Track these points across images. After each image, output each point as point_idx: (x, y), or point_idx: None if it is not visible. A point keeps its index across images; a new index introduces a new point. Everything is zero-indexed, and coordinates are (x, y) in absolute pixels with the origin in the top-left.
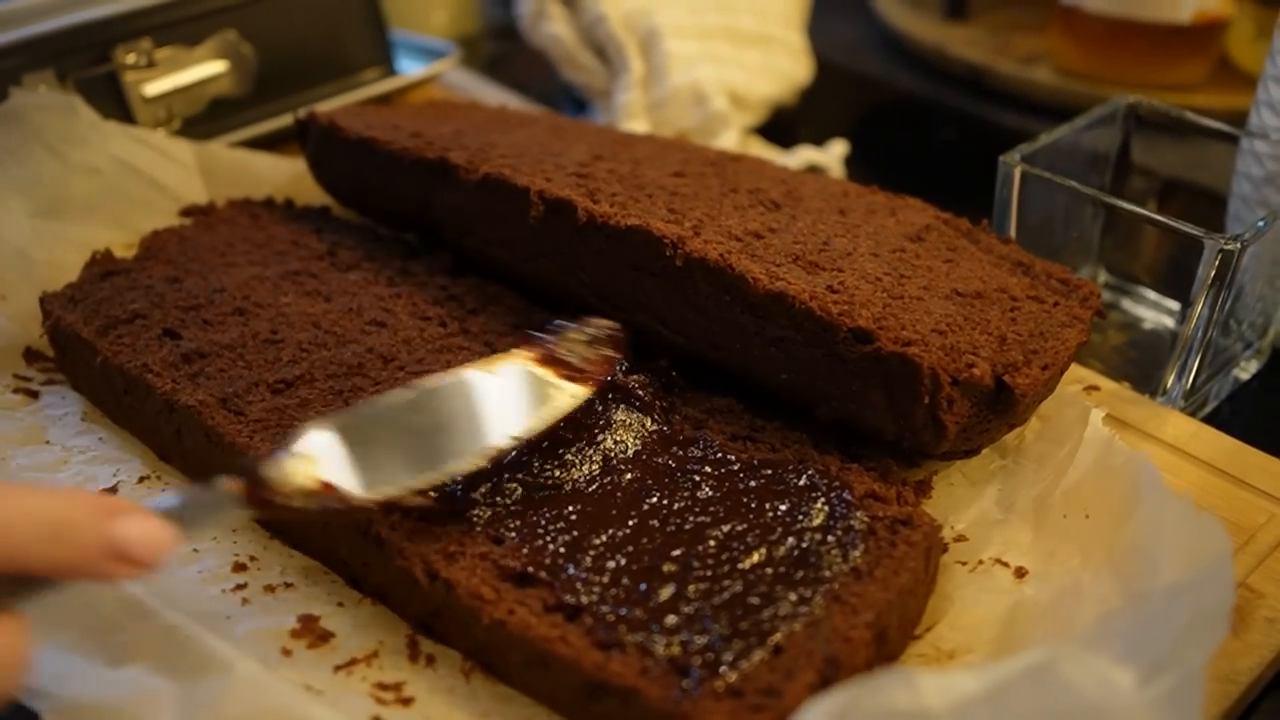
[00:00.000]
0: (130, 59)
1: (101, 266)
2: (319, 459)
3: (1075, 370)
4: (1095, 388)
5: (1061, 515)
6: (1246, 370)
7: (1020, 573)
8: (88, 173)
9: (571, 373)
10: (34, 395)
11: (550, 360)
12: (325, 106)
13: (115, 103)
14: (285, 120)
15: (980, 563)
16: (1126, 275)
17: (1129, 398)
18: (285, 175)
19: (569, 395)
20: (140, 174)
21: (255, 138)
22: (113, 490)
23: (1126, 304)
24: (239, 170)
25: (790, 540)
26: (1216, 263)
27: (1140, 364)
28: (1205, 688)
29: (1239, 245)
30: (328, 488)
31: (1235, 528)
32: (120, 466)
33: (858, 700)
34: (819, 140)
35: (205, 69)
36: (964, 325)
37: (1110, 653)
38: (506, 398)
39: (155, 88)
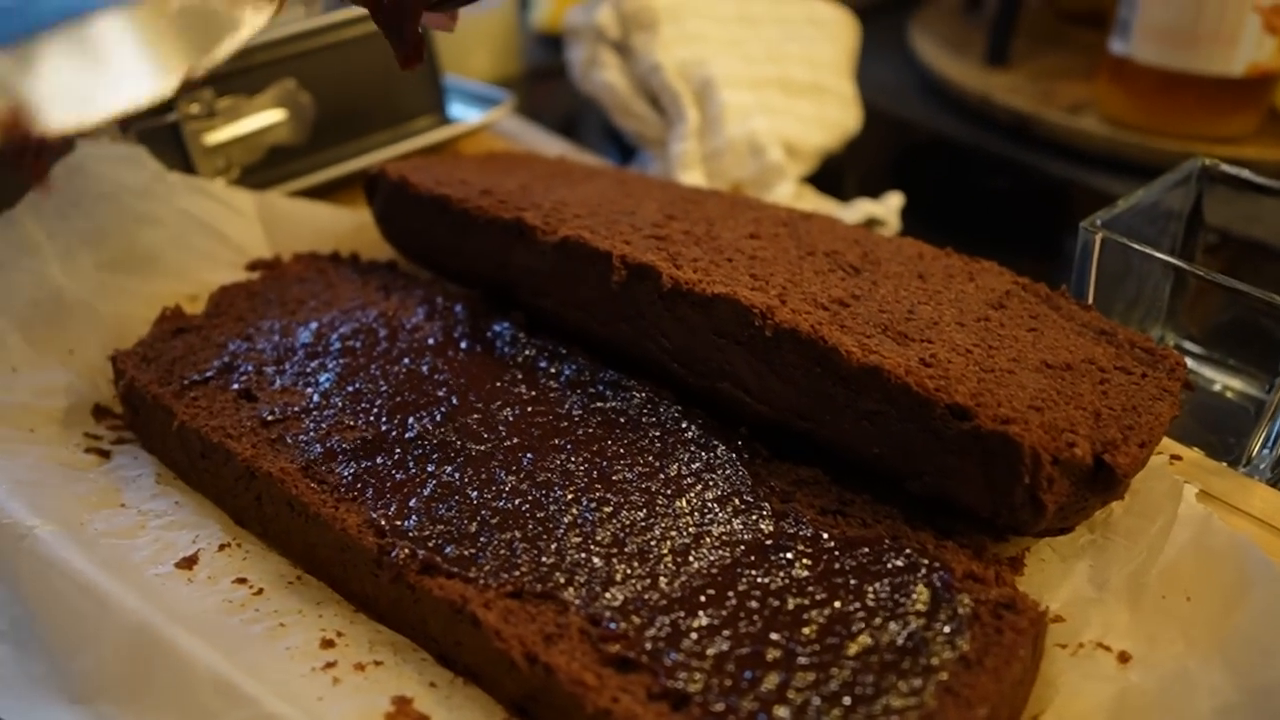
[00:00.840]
0: (192, 109)
1: (172, 323)
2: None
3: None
4: (1178, 457)
5: (1160, 596)
6: None
7: (1124, 658)
8: (152, 224)
9: None
10: (105, 455)
11: None
12: (381, 155)
13: (176, 152)
14: (342, 169)
15: (1081, 646)
16: (1198, 338)
17: (1213, 468)
18: (346, 226)
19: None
20: (203, 225)
21: (312, 186)
22: (193, 559)
23: (1200, 368)
24: (299, 221)
25: (894, 625)
26: None
27: (1218, 430)
28: None
29: None
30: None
31: None
32: (199, 533)
33: None
34: (870, 188)
35: (264, 118)
36: (1058, 400)
37: None
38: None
39: (216, 137)
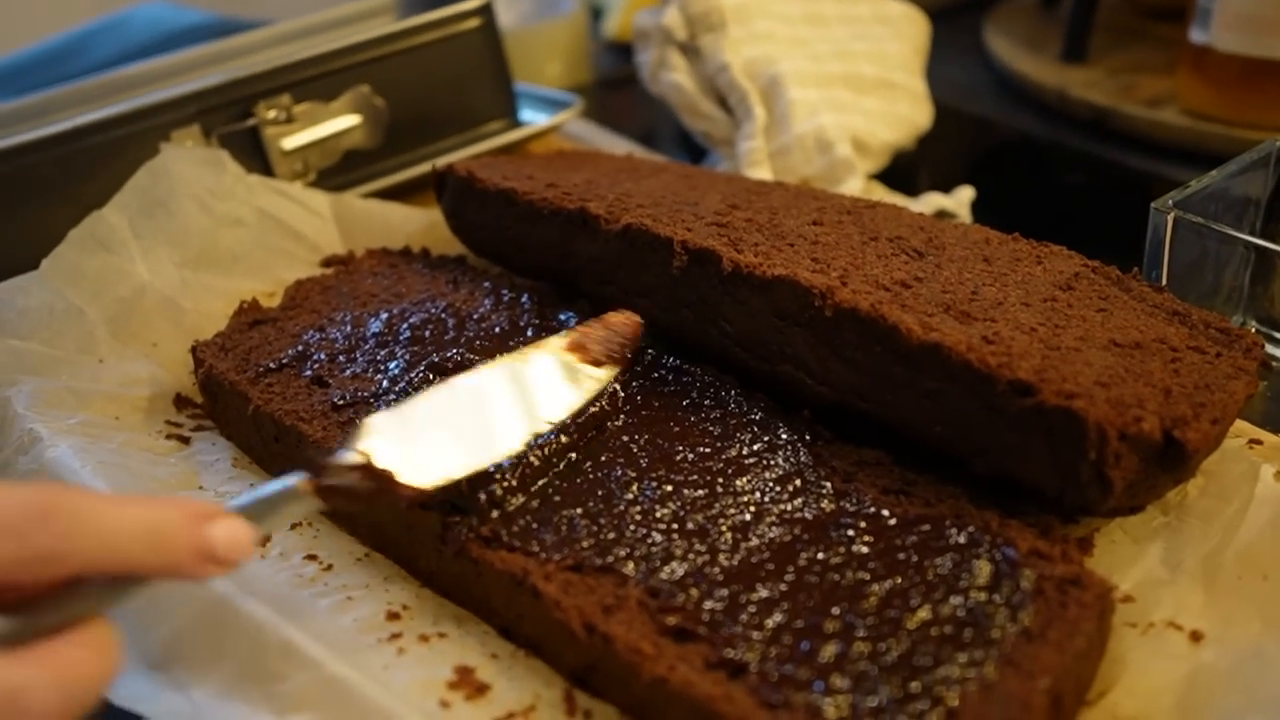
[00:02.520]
0: (271, 114)
1: (249, 315)
2: (375, 452)
3: (1236, 424)
4: (1258, 441)
5: (1236, 577)
6: None
7: (1195, 636)
8: (233, 224)
9: (596, 358)
10: (185, 441)
11: (576, 347)
12: (453, 157)
13: (256, 156)
14: (414, 171)
15: (1151, 625)
16: (1275, 322)
17: None
18: (418, 225)
19: (595, 378)
20: (281, 225)
21: (386, 188)
22: (266, 536)
23: (1273, 350)
24: (373, 220)
25: (955, 599)
26: None
27: None
28: None
29: None
30: (384, 476)
31: None
32: None
33: None
34: (942, 185)
35: (340, 122)
36: (1126, 377)
37: None
38: (541, 385)
39: (293, 141)
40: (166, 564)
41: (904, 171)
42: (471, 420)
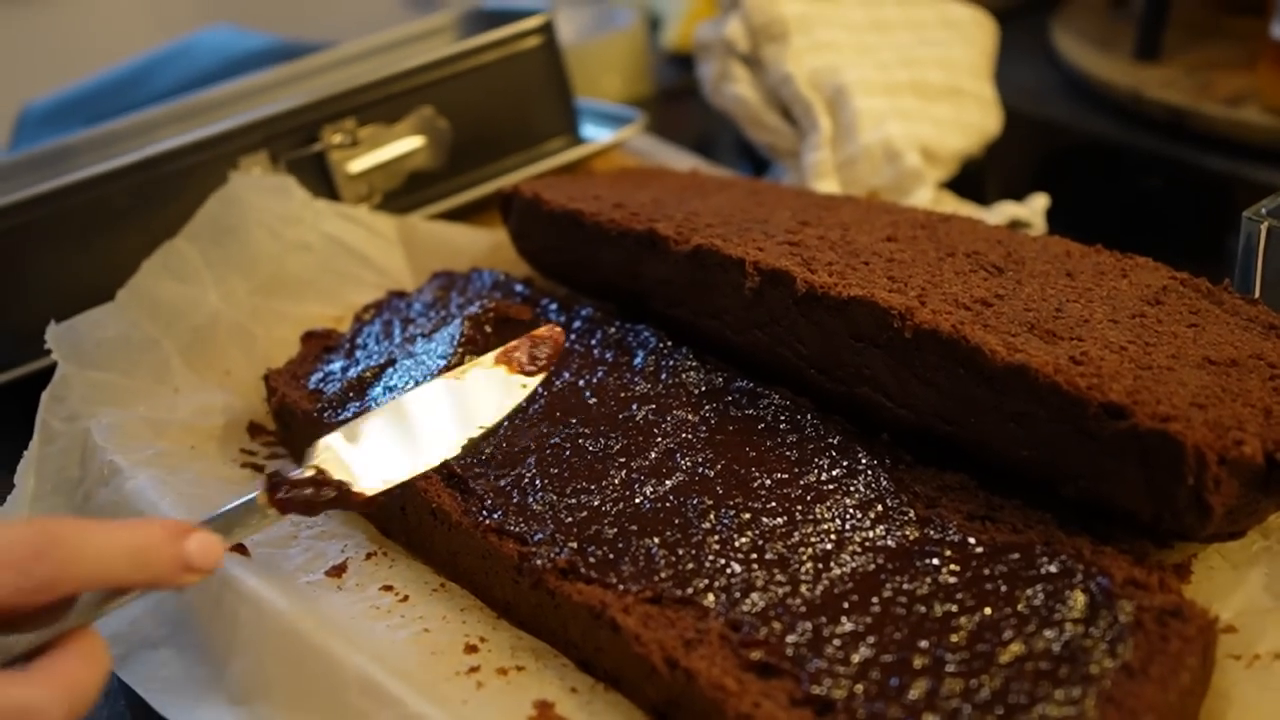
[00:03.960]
0: (336, 139)
1: (319, 342)
2: (330, 465)
3: None
4: None
5: None
6: None
7: None
8: (301, 250)
9: (525, 368)
10: (260, 469)
11: (504, 359)
12: (515, 176)
13: (322, 180)
14: (479, 191)
15: (1257, 657)
16: None
17: None
18: (483, 246)
19: (524, 385)
20: (348, 249)
21: (451, 209)
22: (342, 567)
23: None
24: (438, 242)
25: (1049, 632)
26: None
27: None
28: None
29: None
30: (336, 485)
31: None
32: (347, 543)
33: None
34: (1012, 192)
35: (404, 145)
36: (1223, 397)
37: None
38: (476, 395)
39: (358, 165)
40: (150, 577)
41: (974, 179)
42: (414, 430)
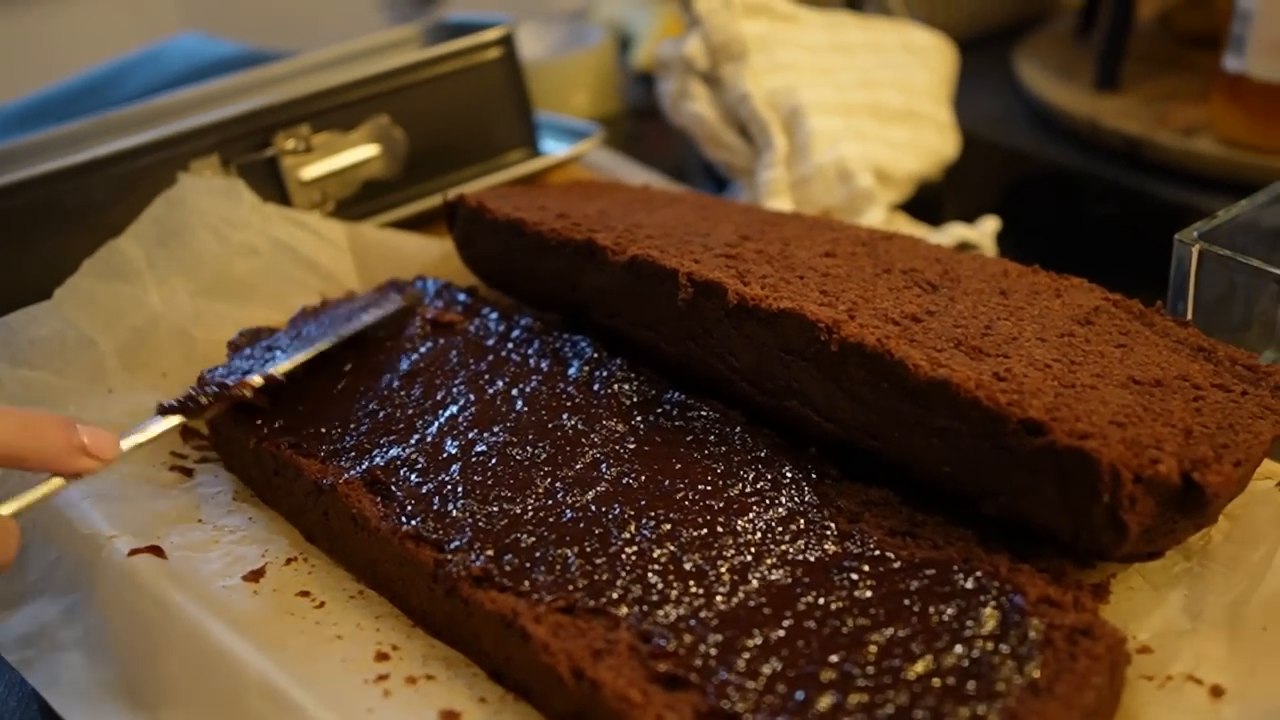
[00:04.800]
0: (289, 145)
1: (248, 340)
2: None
3: (1265, 465)
4: None
5: (1261, 627)
6: None
7: (1216, 692)
8: (247, 254)
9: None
10: (189, 474)
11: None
12: (472, 187)
13: (274, 186)
14: (433, 201)
15: (1169, 678)
16: None
17: None
18: (433, 255)
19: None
20: (296, 254)
21: (404, 218)
22: (260, 572)
23: None
24: (388, 250)
25: (959, 649)
26: None
27: None
28: None
29: None
30: (219, 382)
31: None
32: (268, 547)
33: None
34: (969, 216)
35: (359, 153)
36: (1144, 416)
37: None
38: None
39: (311, 171)
40: (41, 450)
41: (931, 203)
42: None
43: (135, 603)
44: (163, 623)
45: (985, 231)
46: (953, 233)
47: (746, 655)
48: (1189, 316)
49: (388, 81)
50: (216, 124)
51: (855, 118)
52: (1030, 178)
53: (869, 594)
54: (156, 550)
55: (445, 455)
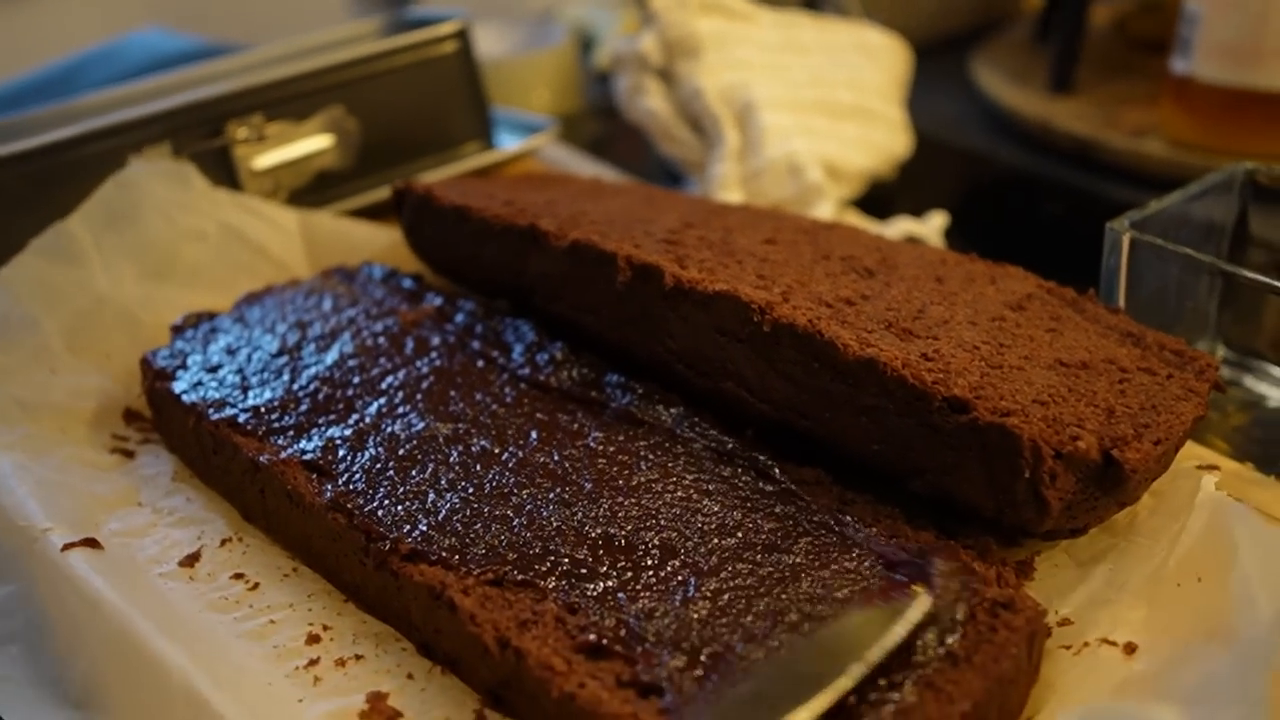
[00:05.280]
0: (241, 134)
1: (192, 323)
2: None
3: (1194, 449)
4: (1215, 467)
5: (1175, 585)
6: None
7: (1129, 649)
8: (196, 238)
9: None
10: (130, 455)
11: None
12: (426, 179)
13: (226, 176)
14: (386, 193)
15: (1086, 645)
16: (1248, 351)
17: (1253, 479)
18: (383, 243)
19: None
20: (246, 240)
21: (357, 208)
22: (196, 555)
23: (1249, 381)
24: (339, 237)
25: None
26: None
27: (1266, 444)
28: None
29: None
30: None
31: None
32: (204, 529)
33: None
34: (919, 214)
35: (312, 143)
36: (1068, 397)
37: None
38: None
39: (264, 161)
40: None
41: (884, 200)
42: None
43: (68, 599)
44: (93, 622)
45: (932, 226)
46: (899, 226)
47: (671, 627)
48: (1121, 304)
49: (342, 73)
50: (168, 112)
51: (807, 114)
52: (982, 178)
53: (794, 570)
54: (92, 542)
55: (383, 435)
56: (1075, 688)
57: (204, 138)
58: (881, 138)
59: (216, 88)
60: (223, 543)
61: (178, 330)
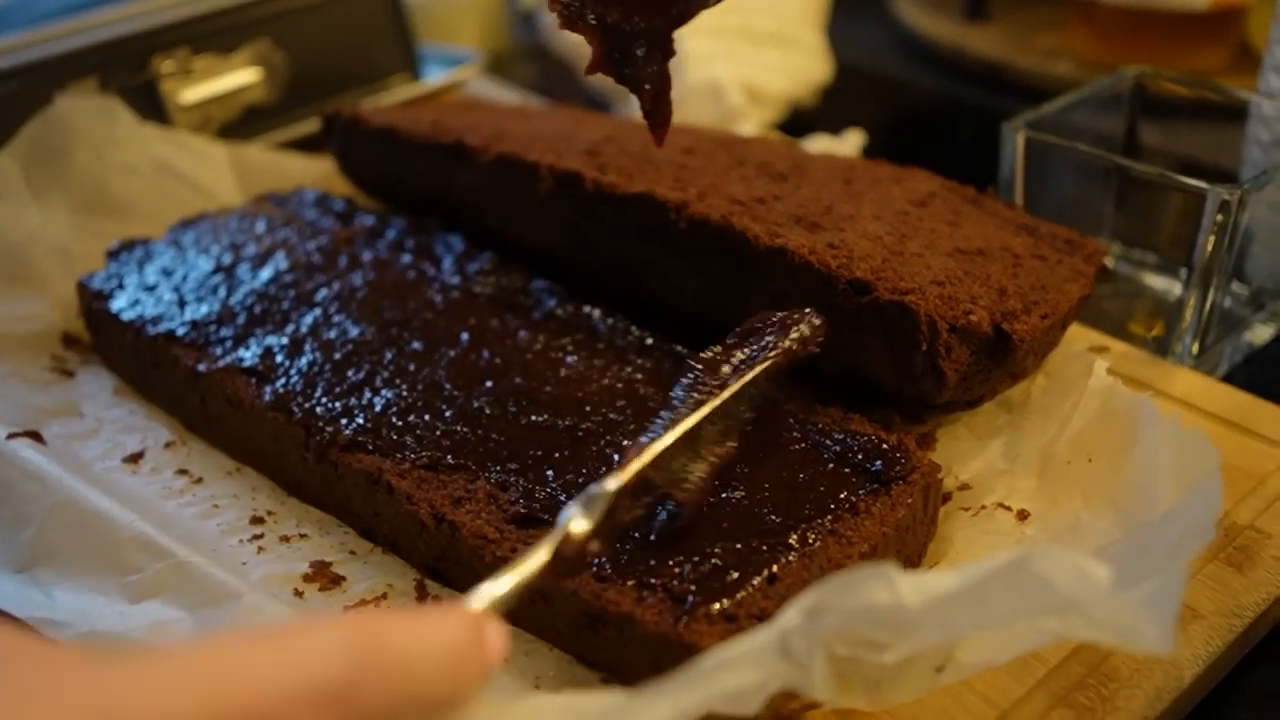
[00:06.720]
0: (168, 68)
1: (127, 248)
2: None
3: (1085, 333)
4: (1104, 349)
5: (1065, 462)
6: (1261, 335)
7: (1022, 515)
8: (127, 172)
9: None
10: (70, 374)
11: None
12: None
13: (154, 110)
14: (315, 125)
15: (983, 507)
16: (1140, 245)
17: (1139, 357)
18: (314, 174)
19: None
20: (177, 173)
21: (286, 142)
22: (139, 454)
23: (1143, 275)
24: (270, 169)
25: (787, 481)
26: (1217, 214)
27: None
28: (1185, 587)
29: (1239, 194)
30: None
31: (1245, 474)
32: (147, 435)
33: (835, 596)
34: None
35: (239, 77)
36: (964, 278)
37: None
38: None
39: (192, 95)
40: (459, 689)
41: (804, 125)
42: None
43: (14, 480)
44: (40, 494)
45: (850, 144)
46: (817, 144)
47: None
48: (1017, 199)
49: (268, 5)
50: (93, 46)
51: (728, 40)
52: (901, 104)
53: (716, 439)
54: (35, 435)
55: (319, 341)
56: (972, 544)
57: (130, 72)
58: (801, 63)
59: (141, 21)
60: (167, 445)
61: (113, 255)
